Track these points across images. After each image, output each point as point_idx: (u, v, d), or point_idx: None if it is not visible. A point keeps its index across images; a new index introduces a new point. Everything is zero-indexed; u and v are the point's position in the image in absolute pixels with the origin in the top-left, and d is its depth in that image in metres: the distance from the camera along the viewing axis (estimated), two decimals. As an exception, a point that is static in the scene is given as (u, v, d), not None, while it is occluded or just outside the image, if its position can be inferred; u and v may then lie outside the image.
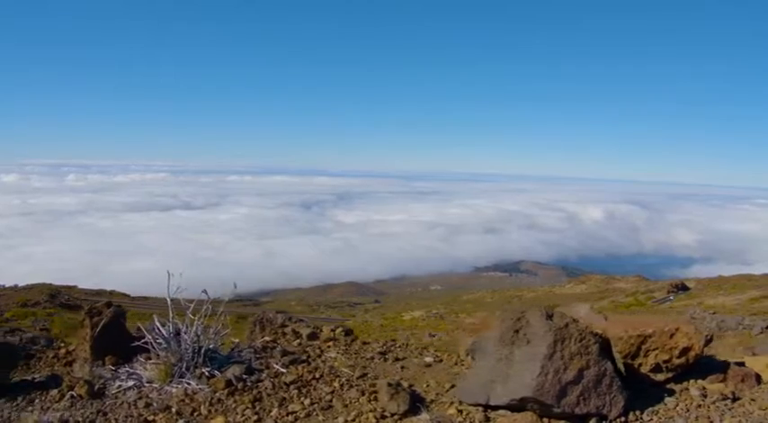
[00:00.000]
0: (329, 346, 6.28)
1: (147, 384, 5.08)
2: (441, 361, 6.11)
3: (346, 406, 4.69)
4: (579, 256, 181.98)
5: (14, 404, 4.90)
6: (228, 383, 4.90)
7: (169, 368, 5.07)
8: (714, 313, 28.03)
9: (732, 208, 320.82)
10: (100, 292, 45.21)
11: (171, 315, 5.45)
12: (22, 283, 40.74)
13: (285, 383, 5.04)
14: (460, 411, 4.65)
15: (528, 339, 4.72)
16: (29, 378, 5.72)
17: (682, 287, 54.19)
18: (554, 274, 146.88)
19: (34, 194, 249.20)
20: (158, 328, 5.46)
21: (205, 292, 5.75)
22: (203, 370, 5.08)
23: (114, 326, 6.27)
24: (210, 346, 5.30)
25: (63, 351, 6.68)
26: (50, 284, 40.61)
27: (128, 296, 46.91)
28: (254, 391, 4.84)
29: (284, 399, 4.78)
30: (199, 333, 5.26)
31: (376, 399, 4.77)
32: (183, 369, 5.10)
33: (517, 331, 4.83)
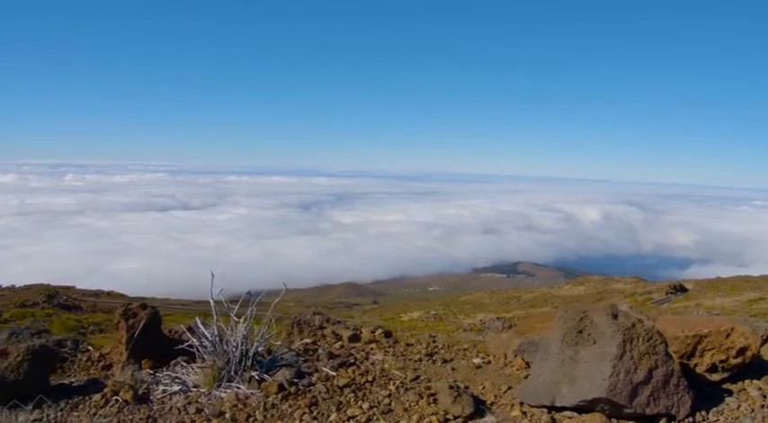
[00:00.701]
0: (373, 349, 6.11)
1: (193, 389, 4.89)
2: (489, 362, 5.96)
3: (406, 409, 4.53)
4: (577, 256, 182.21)
5: (59, 409, 4.72)
6: (281, 387, 4.73)
7: (216, 372, 4.89)
8: (718, 314, 27.95)
9: (730, 209, 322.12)
10: (98, 293, 44.89)
11: (215, 317, 5.27)
12: (19, 284, 40.43)
13: (339, 387, 4.87)
14: (525, 413, 4.53)
15: (594, 339, 4.62)
16: (66, 382, 5.55)
17: (680, 288, 54.19)
18: (552, 275, 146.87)
19: (32, 194, 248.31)
20: (203, 331, 5.28)
21: (249, 293, 5.57)
22: (252, 374, 4.90)
23: (150, 328, 6.10)
24: (259, 349, 5.11)
25: (96, 354, 6.49)
26: (48, 285, 40.32)
27: (125, 296, 46.65)
28: (309, 396, 4.67)
29: (341, 403, 4.61)
30: (246, 335, 5.08)
31: (435, 401, 4.62)
32: (232, 373, 4.92)
33: (581, 331, 4.73)
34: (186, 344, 5.31)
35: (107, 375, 5.68)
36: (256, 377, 4.86)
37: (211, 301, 5.38)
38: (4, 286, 40.14)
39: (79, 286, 46.55)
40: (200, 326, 5.33)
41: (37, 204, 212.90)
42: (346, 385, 4.89)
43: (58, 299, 34.10)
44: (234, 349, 5.00)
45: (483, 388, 5.14)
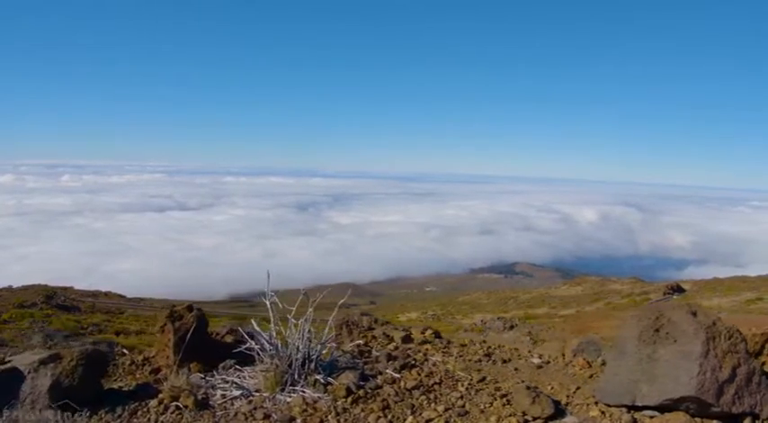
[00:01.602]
0: (428, 350, 5.97)
1: (255, 393, 4.73)
2: (548, 362, 5.84)
3: (482, 411, 4.41)
4: (575, 257, 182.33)
5: (116, 415, 4.55)
6: (349, 391, 4.58)
7: (279, 376, 4.72)
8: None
9: (727, 210, 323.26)
10: (95, 293, 44.49)
11: (273, 319, 5.10)
12: (16, 284, 39.92)
13: (407, 389, 4.74)
14: (604, 413, 4.44)
15: (674, 338, 4.54)
16: (114, 387, 5.37)
17: (677, 289, 54.22)
18: (549, 275, 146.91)
19: (29, 195, 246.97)
20: (258, 332, 5.11)
21: (306, 294, 5.41)
22: (317, 377, 4.73)
23: (197, 330, 5.93)
24: (323, 352, 4.95)
25: (140, 357, 6.31)
26: (46, 285, 39.89)
27: (123, 297, 46.31)
28: (379, 399, 4.52)
29: (414, 405, 4.47)
30: (307, 337, 4.91)
31: (509, 402, 4.49)
32: (296, 376, 4.75)
33: (657, 330, 4.63)
34: (244, 347, 5.14)
35: (157, 380, 5.50)
36: (321, 380, 4.70)
37: (267, 303, 5.22)
38: (1, 287, 39.63)
39: (77, 287, 46.12)
40: (256, 327, 5.17)
41: (34, 205, 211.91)
42: (414, 387, 4.75)
43: (56, 299, 33.72)
44: (296, 352, 4.83)
45: (552, 388, 5.03)
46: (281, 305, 5.22)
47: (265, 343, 4.99)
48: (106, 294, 45.37)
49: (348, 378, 4.74)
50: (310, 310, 5.15)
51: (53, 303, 31.96)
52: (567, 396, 4.81)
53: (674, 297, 48.06)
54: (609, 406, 4.52)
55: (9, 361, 5.08)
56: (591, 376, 5.27)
